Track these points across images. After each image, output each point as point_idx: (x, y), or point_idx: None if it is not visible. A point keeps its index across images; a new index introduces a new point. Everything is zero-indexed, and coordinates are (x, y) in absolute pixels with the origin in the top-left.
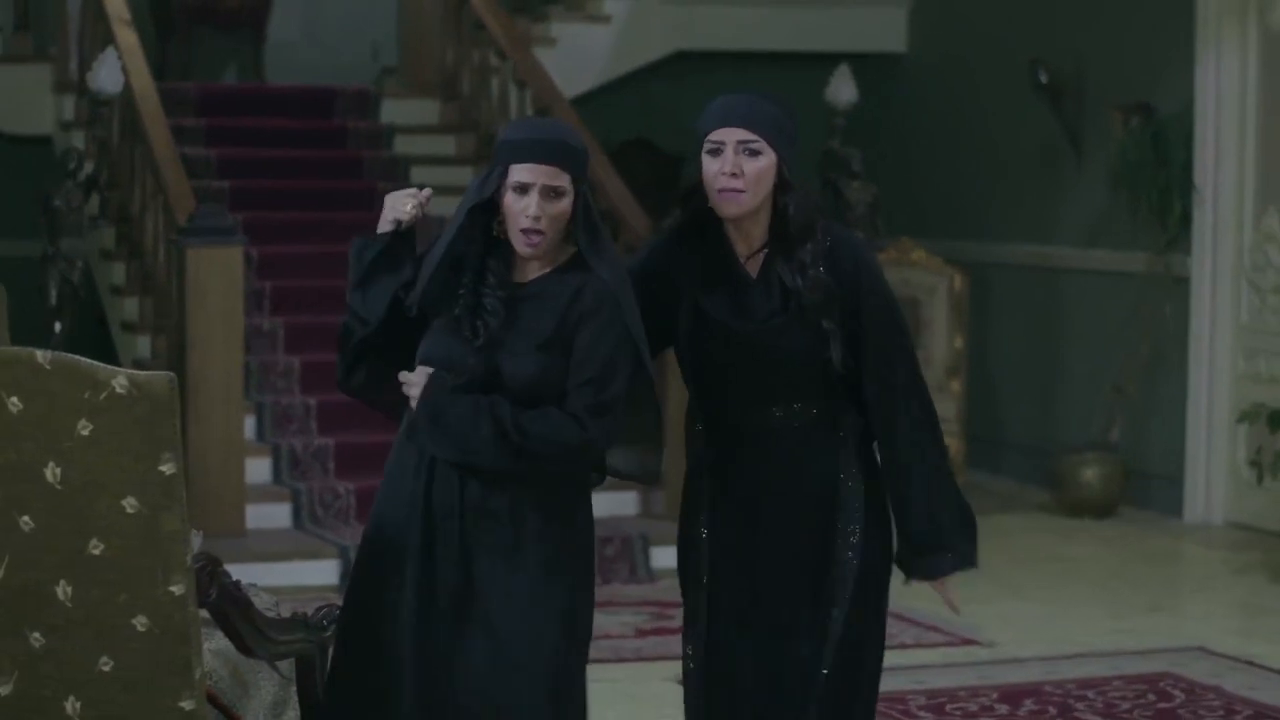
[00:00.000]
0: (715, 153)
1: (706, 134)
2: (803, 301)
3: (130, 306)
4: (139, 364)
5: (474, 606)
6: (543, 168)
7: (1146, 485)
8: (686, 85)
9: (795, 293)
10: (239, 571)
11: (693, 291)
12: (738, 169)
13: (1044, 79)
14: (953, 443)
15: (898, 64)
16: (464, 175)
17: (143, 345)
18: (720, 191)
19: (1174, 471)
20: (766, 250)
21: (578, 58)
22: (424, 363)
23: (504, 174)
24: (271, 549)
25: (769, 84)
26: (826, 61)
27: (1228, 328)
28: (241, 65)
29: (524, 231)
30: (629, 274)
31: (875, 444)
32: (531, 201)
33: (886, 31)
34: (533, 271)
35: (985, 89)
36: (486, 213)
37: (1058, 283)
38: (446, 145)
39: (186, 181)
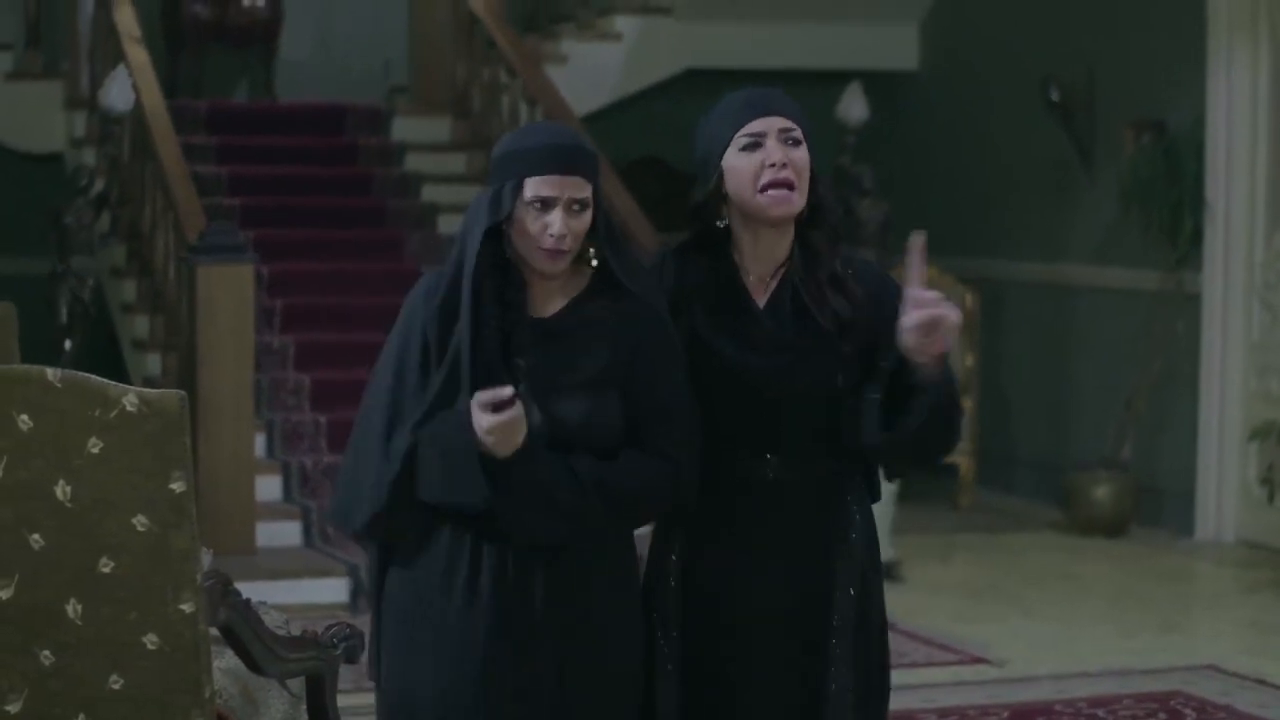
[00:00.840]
0: (753, 147)
1: (737, 130)
2: (831, 322)
3: (141, 324)
4: (149, 382)
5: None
6: (567, 179)
7: (1158, 503)
8: (697, 103)
9: (814, 319)
10: (249, 589)
11: (692, 317)
12: (786, 159)
13: (1055, 96)
14: (964, 460)
15: (909, 81)
16: (474, 193)
17: (153, 363)
18: (767, 189)
19: (1185, 489)
20: (785, 270)
21: (589, 76)
22: None
23: (518, 188)
24: (282, 567)
25: None
26: (838, 79)
27: (1239, 345)
28: (252, 82)
29: (546, 251)
30: None
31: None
32: (556, 219)
33: (898, 49)
34: (553, 302)
35: (996, 106)
36: (492, 234)
37: (1069, 300)
38: (457, 163)
39: (197, 199)
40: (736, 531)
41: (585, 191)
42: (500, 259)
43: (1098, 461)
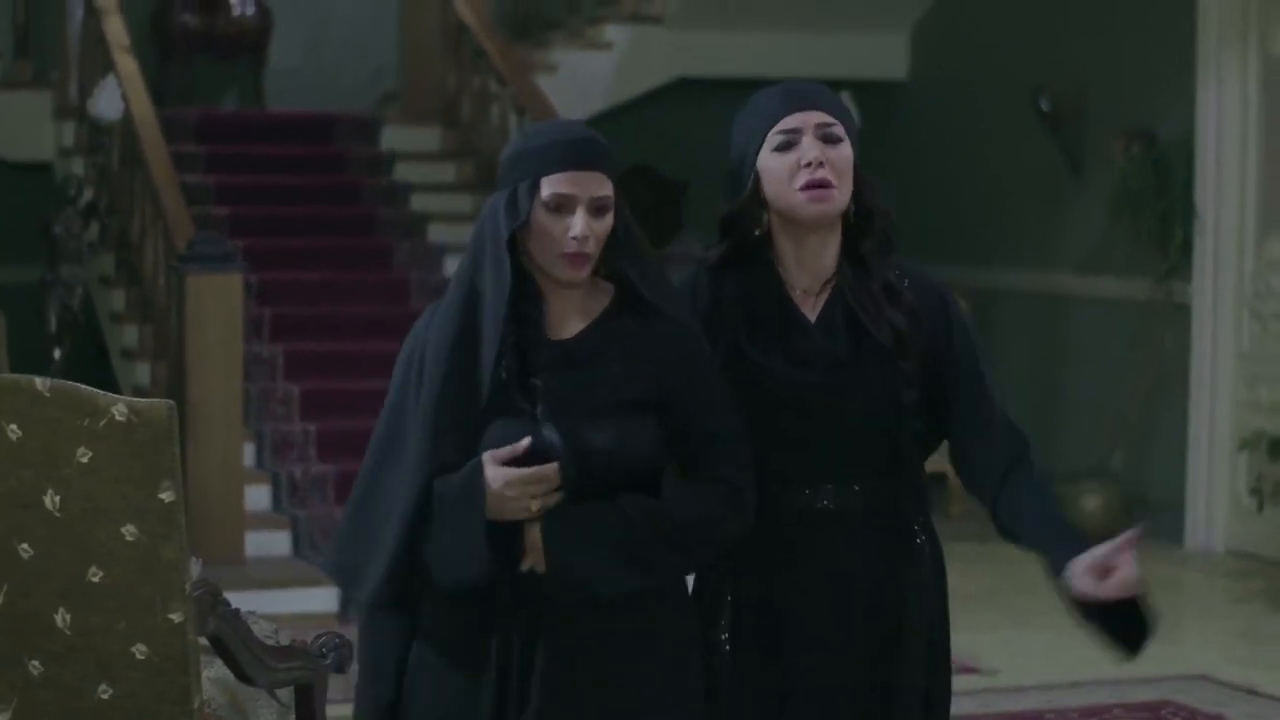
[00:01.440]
0: (788, 145)
1: (772, 127)
2: (887, 336)
3: (130, 333)
4: (138, 391)
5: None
6: (587, 175)
7: (1147, 513)
8: (688, 112)
9: (868, 333)
10: (238, 599)
11: (733, 334)
12: (824, 157)
13: (1045, 106)
14: (951, 469)
15: (899, 90)
16: (464, 202)
17: (142, 372)
18: (805, 189)
19: (1175, 499)
20: (834, 281)
21: (579, 84)
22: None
23: (534, 189)
24: (271, 576)
25: None
26: (828, 88)
27: (1229, 355)
28: (242, 91)
29: (567, 256)
30: None
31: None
32: (578, 220)
33: (888, 58)
34: (571, 323)
35: (986, 116)
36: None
37: (1059, 310)
38: (447, 172)
39: (185, 208)
40: (794, 570)
41: (606, 189)
42: (519, 273)
43: (1087, 471)
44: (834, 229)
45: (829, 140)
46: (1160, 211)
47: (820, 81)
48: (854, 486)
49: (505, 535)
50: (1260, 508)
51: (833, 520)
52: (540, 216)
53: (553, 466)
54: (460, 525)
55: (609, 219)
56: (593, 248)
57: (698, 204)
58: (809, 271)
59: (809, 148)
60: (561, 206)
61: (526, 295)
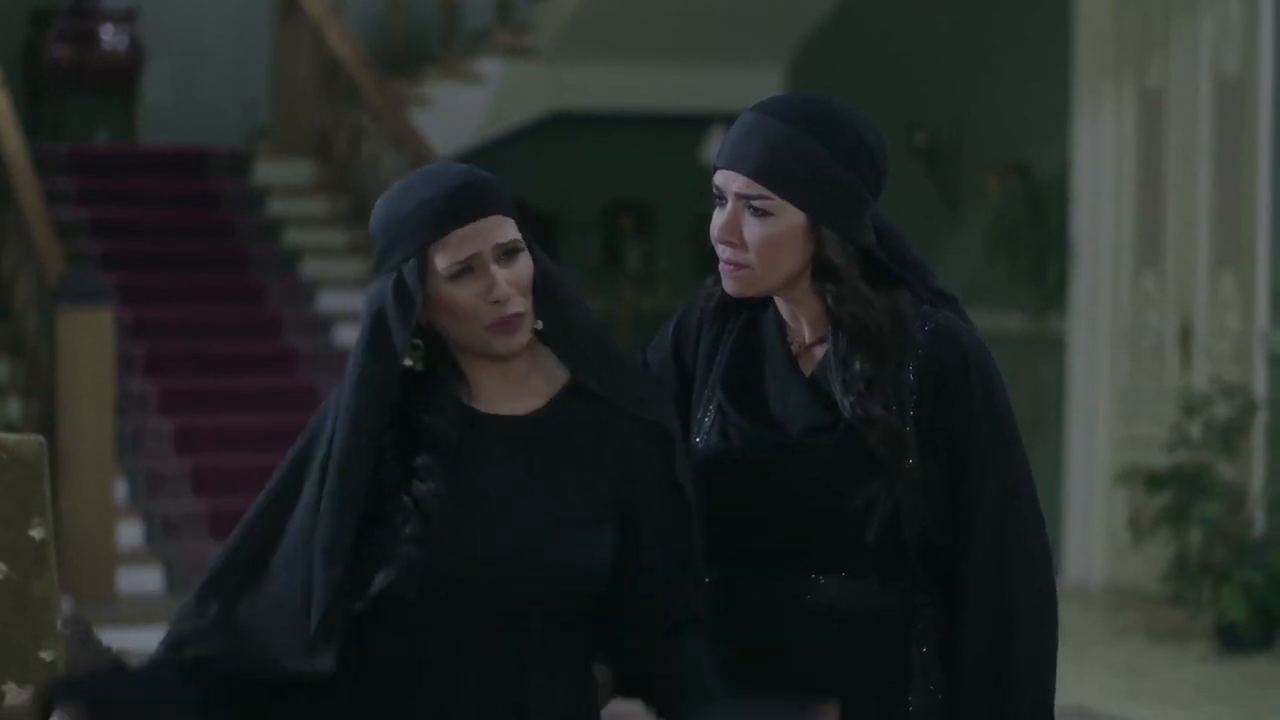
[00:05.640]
0: (718, 201)
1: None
2: (860, 430)
3: (1, 369)
4: (10, 427)
5: None
6: (482, 224)
7: None
8: (561, 146)
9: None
10: (110, 637)
11: (713, 380)
12: (734, 235)
13: (921, 141)
14: None
15: None
16: (337, 237)
17: (13, 408)
18: (720, 263)
19: (1052, 533)
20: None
21: (453, 118)
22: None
23: (424, 264)
24: (143, 614)
25: (645, 145)
26: (702, 122)
27: (1105, 389)
28: (114, 126)
29: (495, 327)
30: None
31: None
32: (492, 278)
33: (761, 92)
34: (519, 403)
35: None
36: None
37: None
38: (319, 207)
39: (57, 243)
40: (762, 667)
41: (510, 231)
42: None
43: None
44: (794, 288)
45: (753, 213)
46: (1036, 246)
47: (694, 116)
48: (842, 578)
49: None
50: (1136, 542)
51: (818, 613)
52: (443, 292)
53: None
54: None
55: (524, 260)
56: (522, 304)
57: (569, 237)
58: (802, 321)
59: (719, 220)
60: (466, 272)
61: (445, 374)
